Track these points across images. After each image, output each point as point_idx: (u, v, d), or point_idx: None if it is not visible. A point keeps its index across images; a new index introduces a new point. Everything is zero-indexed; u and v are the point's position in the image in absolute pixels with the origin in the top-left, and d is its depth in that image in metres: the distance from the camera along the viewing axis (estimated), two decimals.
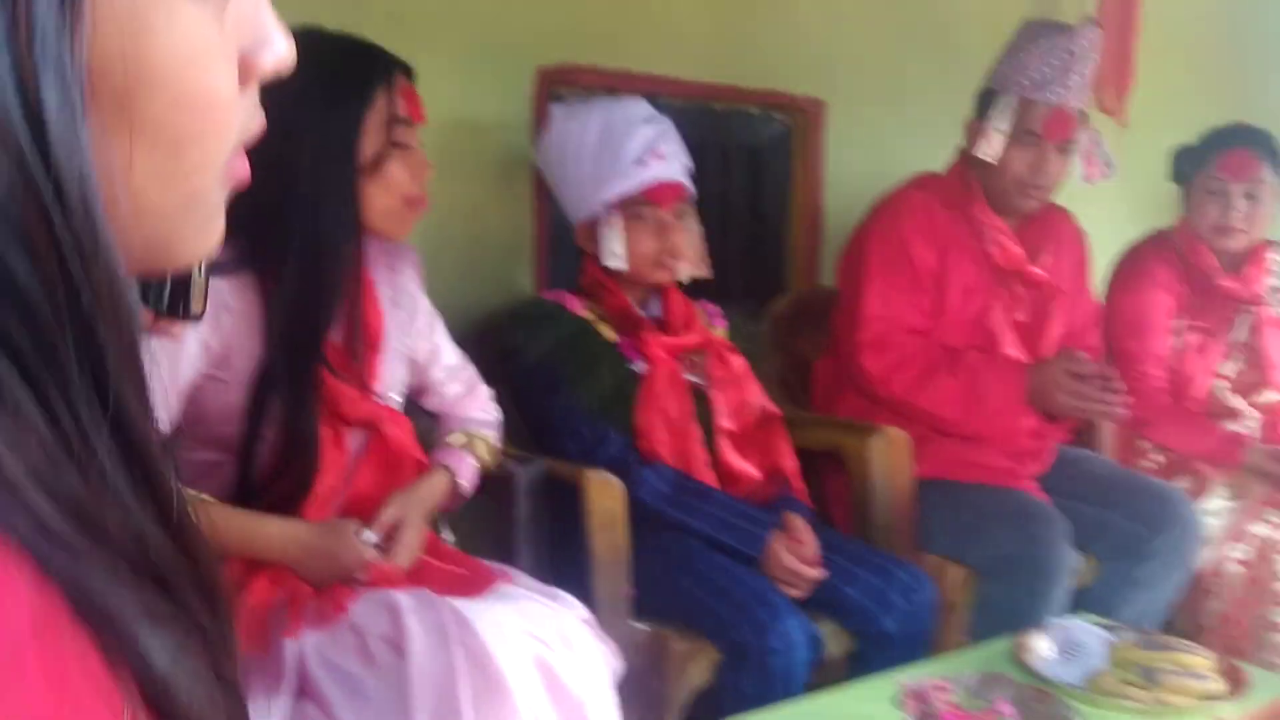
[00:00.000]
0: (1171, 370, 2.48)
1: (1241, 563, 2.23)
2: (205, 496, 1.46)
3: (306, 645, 1.42)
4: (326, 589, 1.49)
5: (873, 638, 1.86)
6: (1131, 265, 2.56)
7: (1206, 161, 2.50)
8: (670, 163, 1.98)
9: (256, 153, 0.45)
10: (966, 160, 2.40)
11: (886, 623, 1.85)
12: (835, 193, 2.71)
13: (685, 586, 1.80)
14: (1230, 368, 2.47)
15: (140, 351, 0.39)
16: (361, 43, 1.59)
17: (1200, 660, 1.67)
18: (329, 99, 1.52)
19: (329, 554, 1.50)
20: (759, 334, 2.48)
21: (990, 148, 2.26)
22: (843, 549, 1.94)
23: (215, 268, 1.15)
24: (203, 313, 0.79)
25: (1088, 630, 1.76)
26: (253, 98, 0.45)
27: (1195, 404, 2.47)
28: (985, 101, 2.32)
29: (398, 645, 1.39)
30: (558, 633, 1.47)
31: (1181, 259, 2.52)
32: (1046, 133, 2.27)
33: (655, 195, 1.96)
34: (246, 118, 0.45)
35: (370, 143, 1.57)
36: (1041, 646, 1.77)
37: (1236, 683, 1.70)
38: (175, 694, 0.38)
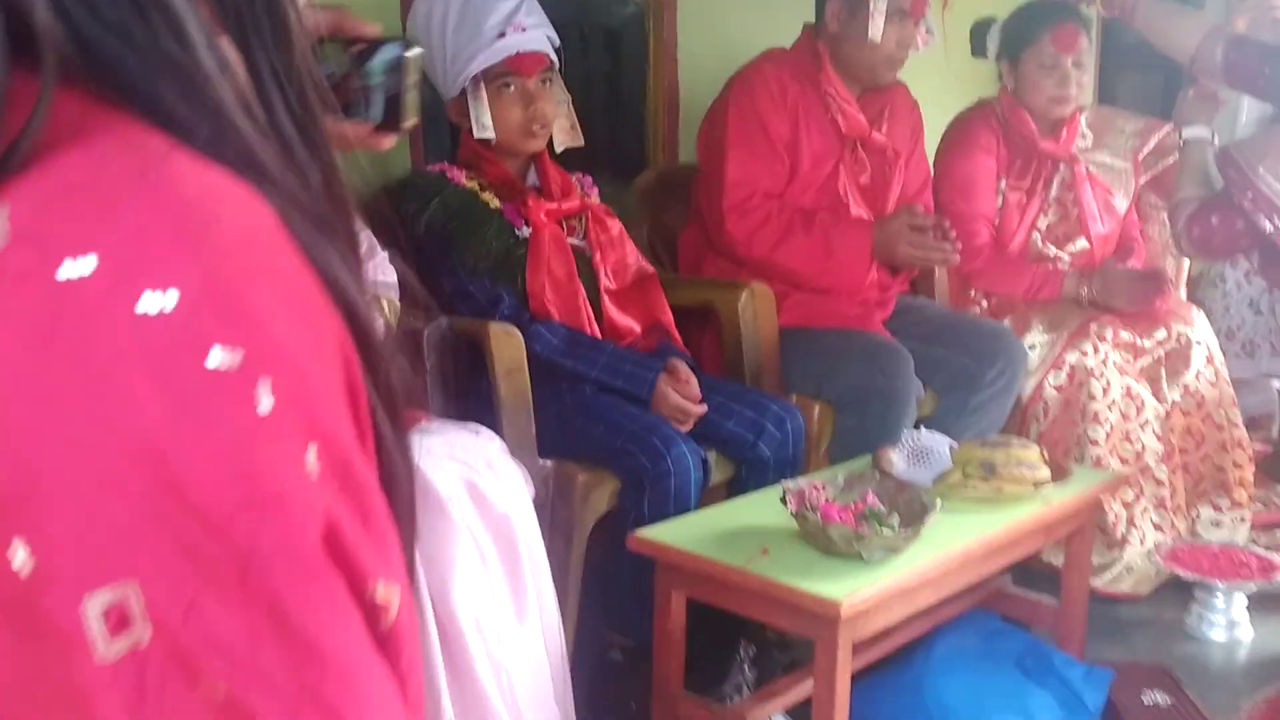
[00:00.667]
0: (995, 225, 2.76)
1: (1058, 388, 2.55)
2: None
3: None
4: None
5: (750, 463, 2.07)
6: (959, 133, 2.81)
7: (1037, 38, 2.71)
8: (531, 33, 2.07)
9: None
10: (814, 35, 2.59)
11: (762, 449, 2.07)
12: (689, 71, 2.86)
13: (583, 425, 1.97)
14: (1045, 221, 2.77)
15: (306, 43, 0.51)
16: None
17: (1031, 453, 1.95)
18: None
19: None
20: (625, 206, 2.64)
21: (876, 28, 2.43)
22: (720, 389, 2.14)
23: None
24: (412, 126, 0.93)
25: (935, 439, 2.03)
26: None
27: (1016, 253, 2.76)
28: None
29: None
30: (481, 458, 1.61)
31: (1003, 126, 2.78)
32: (913, 10, 2.48)
33: (517, 65, 2.06)
34: None
35: None
36: (896, 456, 2.02)
37: (1061, 473, 2.00)
38: (347, 292, 0.49)
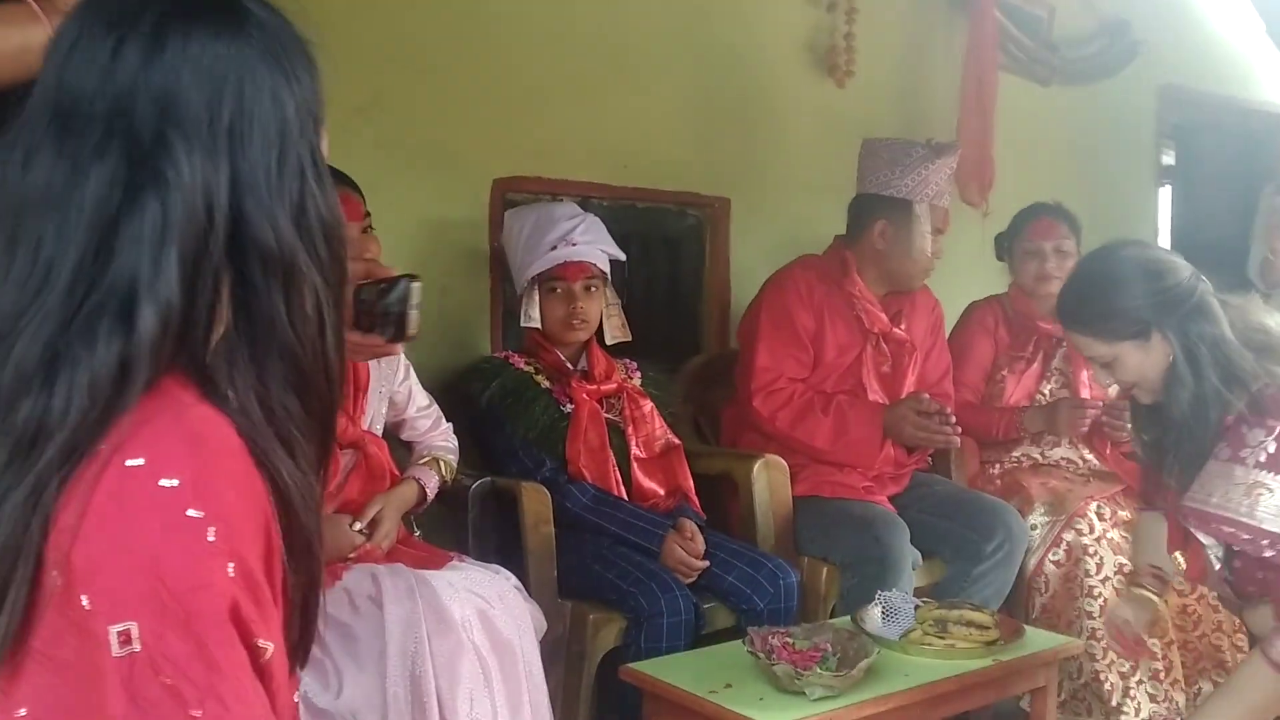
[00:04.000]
0: (990, 389, 3.17)
1: (1056, 564, 2.78)
2: None
3: None
4: (326, 564, 2.03)
5: (747, 613, 2.39)
6: (965, 316, 3.28)
7: (1022, 232, 3.20)
8: (582, 248, 2.55)
9: None
10: (842, 245, 3.00)
11: (757, 601, 2.39)
12: (739, 272, 3.31)
13: (599, 571, 2.35)
14: (1049, 386, 3.14)
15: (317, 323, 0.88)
16: None
17: (983, 616, 2.21)
18: None
19: (327, 538, 2.05)
20: (676, 386, 3.06)
21: (925, 244, 2.87)
22: (725, 547, 2.49)
23: None
24: (414, 337, 1.40)
25: (904, 599, 2.31)
26: None
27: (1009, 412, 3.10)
28: (887, 206, 2.88)
29: (377, 600, 1.93)
30: (494, 592, 2.01)
31: (1005, 311, 3.22)
32: (943, 228, 2.90)
33: (564, 272, 2.53)
34: None
35: None
36: (872, 614, 2.31)
37: (1013, 634, 2.25)
38: (281, 483, 0.86)
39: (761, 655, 1.98)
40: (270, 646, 0.82)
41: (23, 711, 0.75)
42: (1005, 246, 3.24)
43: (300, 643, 0.93)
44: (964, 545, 2.74)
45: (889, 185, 2.87)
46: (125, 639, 0.74)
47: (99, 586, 0.74)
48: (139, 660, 0.74)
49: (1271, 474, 1.68)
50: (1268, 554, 1.67)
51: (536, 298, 2.56)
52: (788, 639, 2.05)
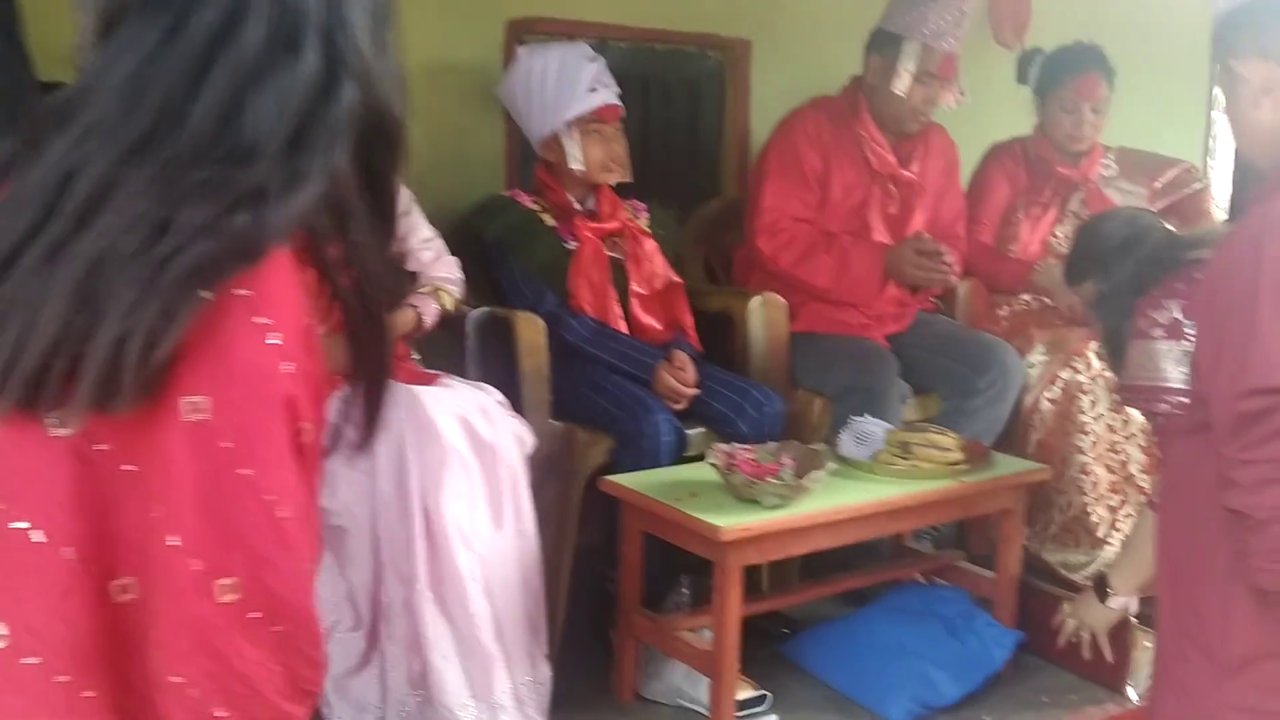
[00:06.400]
0: (1005, 232, 3.17)
1: (1053, 402, 2.83)
2: None
3: None
4: None
5: (730, 438, 2.50)
6: (986, 159, 3.25)
7: (1062, 83, 3.08)
8: (611, 90, 2.64)
9: None
10: (857, 85, 3.01)
11: (741, 426, 2.52)
12: (759, 114, 3.33)
13: (590, 396, 2.50)
14: (1062, 229, 3.12)
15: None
16: None
17: (947, 439, 2.31)
18: None
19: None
20: (690, 228, 3.15)
21: (901, 84, 2.85)
22: (716, 377, 2.61)
23: None
24: None
25: (876, 424, 2.41)
26: None
27: (1024, 256, 3.12)
28: (883, 41, 2.91)
29: None
30: (476, 405, 2.18)
31: (1026, 155, 3.18)
32: (941, 73, 2.88)
33: (603, 114, 2.61)
34: None
35: None
36: (845, 437, 2.42)
37: (980, 458, 2.34)
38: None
39: (722, 467, 2.12)
40: (312, 429, 0.95)
41: (106, 446, 0.89)
42: (1038, 86, 3.13)
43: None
44: (958, 381, 2.81)
45: (890, 20, 2.85)
46: (193, 409, 0.89)
47: (177, 368, 0.88)
48: (203, 426, 0.89)
49: (1168, 341, 1.80)
50: (1161, 407, 1.79)
51: (579, 139, 2.64)
52: (751, 455, 2.18)
